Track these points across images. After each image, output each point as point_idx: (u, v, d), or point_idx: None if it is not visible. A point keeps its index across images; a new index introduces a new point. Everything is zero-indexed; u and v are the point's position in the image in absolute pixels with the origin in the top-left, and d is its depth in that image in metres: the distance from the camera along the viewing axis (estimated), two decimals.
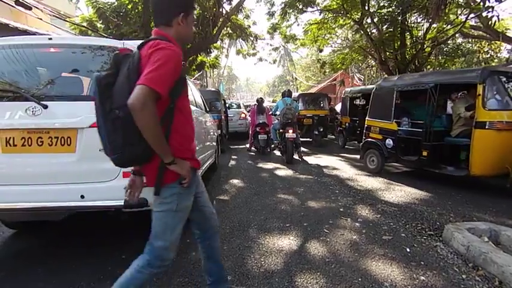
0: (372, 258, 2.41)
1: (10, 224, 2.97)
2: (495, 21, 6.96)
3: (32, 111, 2.08)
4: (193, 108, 3.29)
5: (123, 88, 1.27)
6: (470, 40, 14.30)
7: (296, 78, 35.86)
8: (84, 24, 10.71)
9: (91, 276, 2.18)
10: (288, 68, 41.00)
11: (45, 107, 2.08)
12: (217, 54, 16.59)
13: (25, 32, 6.44)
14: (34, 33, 6.63)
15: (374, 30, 11.45)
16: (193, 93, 4.16)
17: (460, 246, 2.46)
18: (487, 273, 2.13)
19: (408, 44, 11.04)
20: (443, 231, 2.77)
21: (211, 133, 5.09)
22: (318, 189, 4.54)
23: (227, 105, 10.95)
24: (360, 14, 10.74)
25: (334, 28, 13.17)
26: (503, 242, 2.57)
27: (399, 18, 10.29)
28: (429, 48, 11.08)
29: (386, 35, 11.00)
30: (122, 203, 2.09)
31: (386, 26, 11.06)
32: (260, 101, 8.43)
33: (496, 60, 14.35)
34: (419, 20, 11.08)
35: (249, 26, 14.69)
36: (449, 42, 12.49)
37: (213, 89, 10.07)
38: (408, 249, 2.56)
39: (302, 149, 7.77)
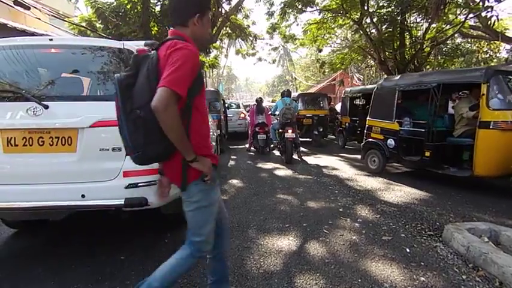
0: (372, 259, 2.41)
1: (11, 223, 2.98)
2: (494, 21, 6.95)
3: (33, 112, 2.09)
4: None
5: (143, 89, 1.32)
6: (469, 40, 14.32)
7: (295, 78, 35.85)
8: (83, 24, 10.69)
9: (90, 276, 2.18)
10: (287, 67, 41.00)
11: (46, 107, 2.09)
12: (216, 54, 16.57)
13: (23, 32, 6.41)
14: (32, 33, 6.61)
15: (373, 30, 11.44)
16: None
17: (460, 246, 2.45)
18: (487, 274, 2.12)
19: (407, 44, 11.04)
20: (443, 232, 2.76)
21: (211, 133, 5.07)
22: (317, 190, 4.53)
23: (226, 105, 10.94)
24: (359, 14, 10.73)
25: (333, 28, 13.16)
26: (503, 242, 2.56)
27: (398, 18, 10.29)
28: (428, 48, 11.08)
29: (386, 35, 10.99)
30: (122, 202, 2.12)
31: (385, 26, 11.06)
32: (259, 101, 8.41)
33: (495, 60, 14.36)
34: (418, 20, 11.09)
35: (248, 26, 14.70)
36: (448, 42, 12.49)
37: (212, 89, 10.06)
38: (408, 250, 2.55)
39: (301, 149, 7.76)
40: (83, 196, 2.13)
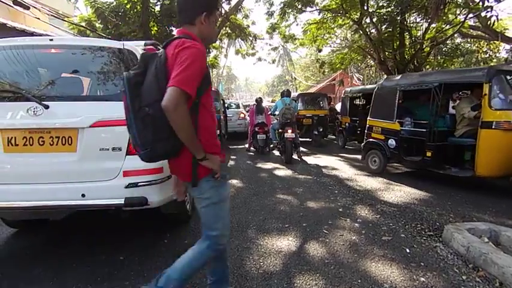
0: (372, 259, 2.40)
1: (11, 223, 2.98)
2: (494, 21, 6.96)
3: (34, 111, 2.09)
4: None
5: (151, 87, 1.34)
6: (469, 40, 14.31)
7: (295, 78, 35.84)
8: (83, 24, 10.68)
9: (89, 276, 2.17)
10: (287, 67, 40.98)
11: (47, 107, 2.10)
12: (216, 54, 16.58)
13: (23, 32, 6.40)
14: (32, 33, 6.60)
15: (373, 30, 11.44)
16: None
17: (460, 246, 2.44)
18: (487, 274, 2.11)
19: (407, 43, 11.04)
20: (443, 232, 2.76)
21: None
22: (317, 190, 4.53)
23: (226, 105, 10.92)
24: (359, 13, 10.72)
25: (333, 28, 13.16)
26: (503, 242, 2.56)
27: (398, 18, 10.28)
28: (428, 48, 11.07)
29: (386, 34, 10.99)
30: (122, 201, 2.13)
31: (385, 26, 11.05)
32: (259, 101, 8.41)
33: (494, 60, 14.36)
34: (418, 20, 11.09)
35: (248, 26, 14.71)
36: (448, 42, 12.49)
37: (212, 89, 10.04)
38: (408, 250, 2.55)
39: (301, 149, 7.76)
40: (83, 196, 2.13)
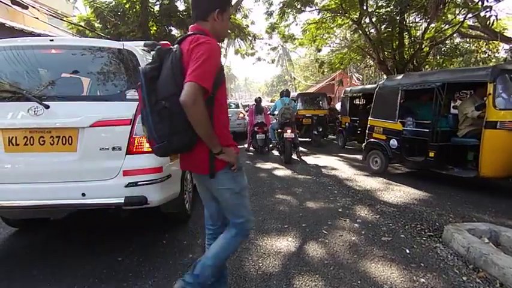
0: (371, 260, 2.39)
1: (12, 222, 2.99)
2: (493, 21, 6.96)
3: (34, 111, 2.11)
4: None
5: (167, 81, 1.38)
6: (468, 40, 14.29)
7: (294, 78, 35.82)
8: (82, 23, 10.65)
9: (87, 277, 2.15)
10: (286, 67, 40.94)
11: (47, 107, 2.12)
12: None
13: (21, 32, 6.37)
14: (30, 33, 6.57)
15: (372, 30, 11.43)
16: None
17: (460, 247, 2.43)
18: (487, 275, 2.10)
19: (406, 43, 11.02)
20: (443, 232, 2.75)
21: None
22: (316, 190, 4.51)
23: None
24: (358, 13, 10.71)
25: (332, 28, 13.14)
26: (503, 243, 2.55)
27: (397, 18, 10.28)
28: (427, 48, 11.06)
29: (385, 34, 10.98)
30: (122, 200, 2.15)
31: (384, 25, 11.05)
32: (258, 101, 8.39)
33: (493, 60, 14.35)
34: (417, 19, 11.08)
35: (248, 26, 14.68)
36: (447, 42, 12.48)
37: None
38: (408, 251, 2.54)
39: (301, 149, 7.74)
40: (83, 195, 2.16)
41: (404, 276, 2.16)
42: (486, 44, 13.85)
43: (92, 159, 2.18)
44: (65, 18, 10.19)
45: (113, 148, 2.20)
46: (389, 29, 10.92)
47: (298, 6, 11.26)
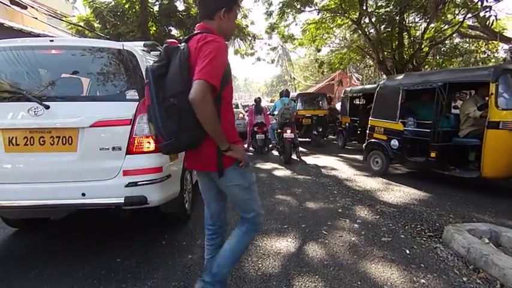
0: (371, 261, 2.38)
1: (12, 222, 2.99)
2: (493, 21, 6.94)
3: (34, 112, 2.12)
4: None
5: (175, 78, 1.39)
6: (467, 40, 14.30)
7: (294, 78, 35.80)
8: (81, 24, 10.63)
9: (85, 279, 2.14)
10: (286, 67, 40.94)
11: (47, 107, 2.13)
12: None
13: (20, 32, 6.36)
14: (29, 33, 6.56)
15: (372, 30, 11.42)
16: None
17: (461, 248, 2.42)
18: (488, 276, 2.09)
19: (406, 43, 11.02)
20: (443, 233, 2.74)
21: None
22: (316, 190, 4.50)
23: None
24: (357, 13, 10.70)
25: (332, 28, 13.13)
26: (503, 243, 2.54)
27: (397, 18, 10.27)
28: (427, 48, 11.06)
29: (384, 34, 10.97)
30: (122, 200, 2.16)
31: (384, 25, 11.03)
32: (258, 101, 8.37)
33: (493, 60, 14.36)
34: (417, 19, 11.08)
35: (247, 26, 14.64)
36: (446, 42, 12.48)
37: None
38: (408, 251, 2.53)
39: (300, 149, 7.73)
40: (83, 195, 2.17)
41: (405, 277, 2.15)
42: (486, 44, 13.85)
43: (92, 159, 2.19)
44: (64, 18, 10.17)
45: (113, 148, 2.21)
46: (389, 29, 10.91)
47: (298, 6, 11.24)
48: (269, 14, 12.50)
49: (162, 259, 2.41)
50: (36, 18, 8.03)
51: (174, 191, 2.64)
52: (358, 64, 18.65)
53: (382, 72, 13.10)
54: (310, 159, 7.21)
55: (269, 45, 18.24)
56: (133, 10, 10.31)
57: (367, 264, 2.32)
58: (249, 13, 15.61)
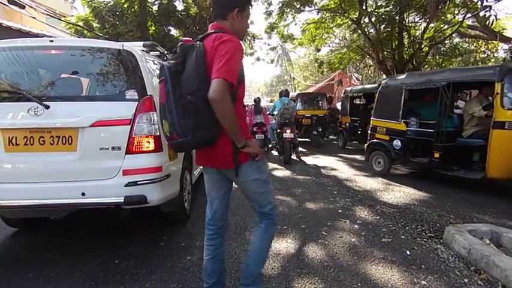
0: (372, 262, 2.36)
1: (12, 222, 2.99)
2: (493, 21, 6.92)
3: (34, 112, 2.13)
4: None
5: (192, 76, 1.40)
6: (467, 40, 14.31)
7: (294, 78, 35.79)
8: (80, 23, 10.60)
9: (83, 280, 2.12)
10: (285, 67, 40.91)
11: (47, 107, 2.13)
12: None
13: (19, 32, 6.34)
14: (28, 33, 6.54)
15: (372, 30, 11.41)
16: None
17: (461, 248, 2.40)
18: (489, 277, 2.08)
19: (406, 43, 11.01)
20: (444, 233, 2.72)
21: None
22: (316, 190, 4.49)
23: None
24: (357, 13, 10.69)
25: (331, 28, 13.12)
26: (505, 244, 2.52)
27: (397, 17, 10.26)
28: (427, 48, 11.05)
29: (384, 34, 10.96)
30: (121, 200, 2.17)
31: (384, 25, 11.02)
32: (257, 101, 8.36)
33: (492, 60, 14.36)
34: (416, 19, 11.06)
35: None
36: (446, 41, 12.48)
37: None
38: (408, 252, 2.51)
39: (300, 149, 7.71)
40: (83, 194, 2.17)
41: (405, 278, 2.13)
42: (485, 44, 13.86)
43: (92, 159, 2.20)
44: (62, 18, 10.15)
45: (113, 148, 2.22)
46: (389, 29, 10.90)
47: (298, 6, 11.22)
48: (268, 14, 12.48)
49: (161, 260, 2.40)
50: (34, 18, 8.00)
51: (174, 190, 2.65)
52: (358, 64, 18.65)
53: (381, 72, 13.09)
54: (310, 160, 7.20)
55: (268, 45, 18.29)
56: (133, 10, 10.29)
57: (367, 266, 2.30)
58: None
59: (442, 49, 13.18)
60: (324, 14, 11.93)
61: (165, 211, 2.82)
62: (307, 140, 9.71)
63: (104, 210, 2.37)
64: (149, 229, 3.01)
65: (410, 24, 10.95)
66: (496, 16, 6.85)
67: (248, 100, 25.89)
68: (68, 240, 2.84)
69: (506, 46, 12.68)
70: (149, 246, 2.63)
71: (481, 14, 7.68)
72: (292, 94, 10.32)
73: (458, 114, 4.90)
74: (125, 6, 10.25)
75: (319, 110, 9.90)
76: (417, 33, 11.13)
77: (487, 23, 7.74)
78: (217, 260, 1.73)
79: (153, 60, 3.00)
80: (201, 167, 1.79)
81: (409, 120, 5.10)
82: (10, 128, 2.15)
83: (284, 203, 3.93)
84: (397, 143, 5.05)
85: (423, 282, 2.08)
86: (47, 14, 9.28)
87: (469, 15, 9.40)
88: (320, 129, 9.50)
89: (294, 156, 7.02)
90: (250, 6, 1.62)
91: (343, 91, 10.04)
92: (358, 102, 9.52)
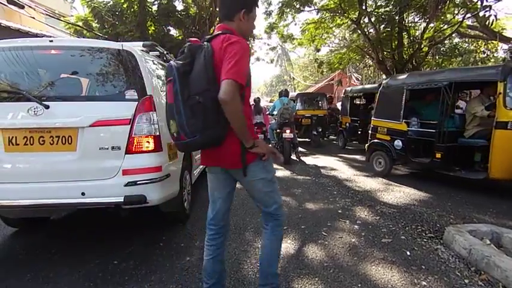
0: (372, 262, 2.35)
1: (12, 222, 2.98)
2: (493, 21, 6.92)
3: (34, 111, 2.13)
4: None
5: (200, 76, 1.41)
6: (467, 40, 14.31)
7: (294, 78, 35.79)
8: (80, 23, 10.59)
9: (82, 281, 2.11)
10: (285, 67, 40.91)
11: (47, 107, 2.14)
12: None
13: (17, 31, 6.32)
14: (27, 33, 6.52)
15: (371, 30, 11.41)
16: None
17: (462, 249, 2.39)
18: (490, 278, 2.07)
19: (405, 43, 11.01)
20: (444, 234, 2.71)
21: None
22: (315, 191, 4.48)
23: None
24: (357, 13, 10.69)
25: (331, 28, 13.12)
26: (505, 244, 2.51)
27: (396, 17, 10.26)
28: (426, 48, 11.05)
29: (384, 34, 10.96)
30: (121, 199, 2.17)
31: (383, 25, 11.02)
32: (257, 101, 8.34)
33: (492, 60, 14.37)
34: (416, 19, 11.06)
35: None
36: (446, 42, 12.48)
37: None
38: (408, 253, 2.50)
39: (300, 149, 7.70)
40: (83, 194, 2.17)
41: (405, 279, 2.12)
42: (485, 44, 13.86)
43: (92, 159, 2.20)
44: (62, 18, 10.13)
45: (112, 148, 2.22)
46: (389, 29, 10.90)
47: (297, 6, 11.22)
48: (268, 14, 12.50)
49: (160, 261, 2.39)
50: (33, 18, 7.99)
51: (174, 190, 2.65)
52: (358, 64, 18.64)
53: (381, 72, 13.09)
54: (309, 160, 7.19)
55: (268, 45, 18.33)
56: (132, 10, 10.27)
57: (367, 266, 2.29)
58: None
59: (441, 49, 13.19)
60: (323, 14, 11.93)
61: (165, 211, 2.82)
62: (307, 140, 9.70)
63: (104, 210, 2.37)
64: (148, 229, 3.00)
65: (410, 24, 10.95)
66: (495, 16, 6.85)
67: None
68: (67, 240, 2.83)
69: (505, 46, 12.69)
70: (148, 247, 2.62)
71: (481, 14, 7.69)
72: (292, 94, 10.31)
73: (460, 114, 4.88)
74: (125, 6, 10.23)
75: (319, 110, 9.89)
76: (417, 33, 11.13)
77: (486, 23, 7.74)
78: (217, 260, 1.72)
79: (152, 60, 2.99)
80: (201, 166, 1.79)
81: (410, 120, 5.07)
82: (10, 128, 2.15)
83: (284, 203, 3.89)
84: (398, 143, 5.02)
85: (423, 283, 2.07)
86: (46, 14, 9.26)
87: (468, 15, 9.41)
88: (320, 129, 9.50)
89: (293, 157, 7.02)
90: (256, 8, 1.63)
91: (343, 91, 10.04)
92: (358, 102, 9.51)
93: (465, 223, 3.02)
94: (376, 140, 5.52)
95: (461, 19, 9.55)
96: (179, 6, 11.76)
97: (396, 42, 10.85)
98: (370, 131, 5.73)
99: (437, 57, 13.34)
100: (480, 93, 4.67)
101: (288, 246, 2.65)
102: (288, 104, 6.94)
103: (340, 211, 3.55)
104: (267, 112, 8.18)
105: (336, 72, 21.09)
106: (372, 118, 5.71)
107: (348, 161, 7.07)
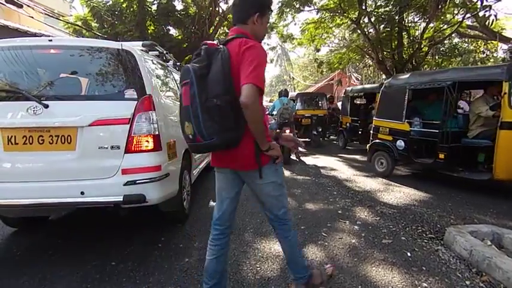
0: (372, 264, 2.33)
1: (11, 222, 2.97)
2: (492, 21, 6.91)
3: (33, 111, 2.13)
4: None
5: (218, 79, 1.42)
6: (466, 40, 14.31)
7: (293, 78, 35.77)
8: (79, 23, 10.56)
9: (79, 283, 2.09)
10: (285, 67, 40.90)
11: (46, 106, 2.14)
12: None
13: (16, 31, 6.30)
14: (25, 32, 6.50)
15: (371, 30, 11.41)
16: None
17: (463, 250, 2.38)
18: (491, 279, 2.05)
19: (405, 43, 11.01)
20: (445, 235, 2.70)
21: None
22: (315, 191, 4.46)
23: None
24: (357, 13, 10.69)
25: (331, 27, 13.13)
26: (506, 245, 2.50)
27: (396, 17, 10.26)
28: (426, 48, 11.06)
29: (384, 34, 10.96)
30: (120, 199, 2.17)
31: (383, 25, 11.02)
32: None
33: (492, 60, 14.37)
34: (416, 19, 11.07)
35: None
36: (446, 41, 12.48)
37: None
38: (409, 254, 2.48)
39: (300, 149, 7.68)
40: (82, 193, 2.18)
41: (406, 280, 2.10)
42: (485, 44, 13.86)
43: (91, 158, 2.20)
44: (61, 18, 10.11)
45: (112, 147, 2.22)
46: (388, 29, 10.90)
47: (297, 6, 11.21)
48: None
49: (158, 262, 2.37)
50: (32, 17, 7.96)
51: (173, 189, 2.64)
52: (358, 64, 18.64)
53: (381, 72, 13.09)
54: (309, 160, 7.17)
55: (268, 44, 18.20)
56: (131, 9, 10.23)
57: (367, 267, 2.28)
58: None
59: (441, 49, 13.18)
60: (323, 13, 11.93)
61: (164, 210, 2.81)
62: (307, 140, 9.68)
63: (103, 209, 2.36)
64: (147, 230, 2.98)
65: (409, 24, 10.96)
66: (495, 16, 6.85)
67: None
68: (65, 240, 2.81)
69: (505, 46, 12.69)
70: (147, 247, 2.60)
71: (481, 14, 7.68)
72: (292, 94, 10.29)
73: (463, 114, 4.83)
74: (124, 5, 10.19)
75: (319, 109, 9.87)
76: (417, 33, 11.15)
77: (486, 23, 7.73)
78: (220, 260, 1.72)
79: (152, 60, 2.98)
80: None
81: (413, 120, 5.02)
82: (9, 127, 2.15)
83: None
84: (400, 143, 4.96)
85: (424, 284, 2.06)
86: (45, 14, 9.23)
87: (468, 15, 9.40)
88: (320, 129, 9.48)
89: (293, 157, 7.00)
90: (270, 12, 1.66)
91: (344, 91, 10.02)
92: (359, 102, 9.49)
93: (466, 224, 3.01)
94: (378, 140, 5.46)
95: (461, 19, 9.55)
96: (179, 5, 11.75)
97: (396, 42, 10.84)
98: (371, 131, 5.68)
99: (437, 57, 13.35)
100: (484, 93, 4.61)
101: None
102: (287, 104, 6.91)
103: (340, 211, 3.53)
104: (267, 112, 8.15)
105: (336, 72, 21.09)
106: (374, 118, 5.67)
107: (348, 161, 7.06)
